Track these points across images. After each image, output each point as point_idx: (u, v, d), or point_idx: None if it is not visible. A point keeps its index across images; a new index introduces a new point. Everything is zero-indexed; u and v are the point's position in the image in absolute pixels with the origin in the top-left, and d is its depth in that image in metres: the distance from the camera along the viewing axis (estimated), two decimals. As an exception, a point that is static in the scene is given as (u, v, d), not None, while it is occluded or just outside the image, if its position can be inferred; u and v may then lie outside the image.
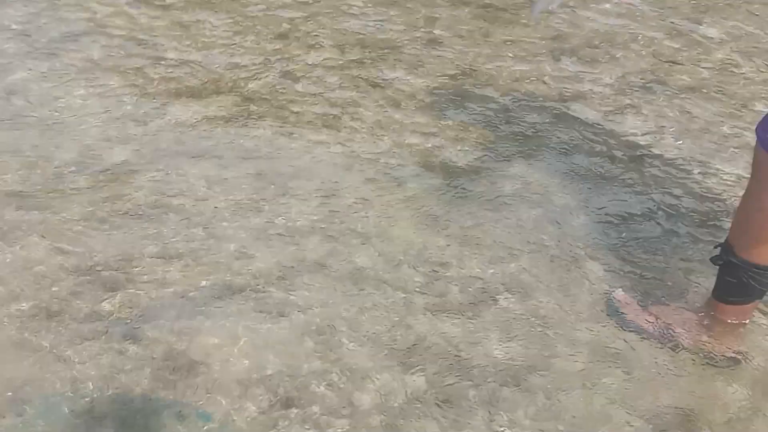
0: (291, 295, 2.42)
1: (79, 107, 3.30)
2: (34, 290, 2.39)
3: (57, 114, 3.25)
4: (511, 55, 3.84)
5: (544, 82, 3.62)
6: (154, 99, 3.38)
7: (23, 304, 2.34)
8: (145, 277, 2.46)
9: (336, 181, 2.93)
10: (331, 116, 3.33)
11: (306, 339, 2.28)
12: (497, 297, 2.45)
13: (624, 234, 2.72)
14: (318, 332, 2.30)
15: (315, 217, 2.74)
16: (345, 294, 2.43)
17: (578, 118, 3.36)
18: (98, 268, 2.48)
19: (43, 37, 3.82)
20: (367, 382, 2.16)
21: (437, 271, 2.54)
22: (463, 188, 2.92)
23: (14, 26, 3.90)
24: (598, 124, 3.33)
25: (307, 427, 2.04)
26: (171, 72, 3.58)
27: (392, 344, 2.27)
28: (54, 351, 2.20)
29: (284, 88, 3.51)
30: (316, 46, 3.86)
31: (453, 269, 2.55)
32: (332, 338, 2.29)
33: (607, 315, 2.40)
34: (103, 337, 2.25)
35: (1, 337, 2.23)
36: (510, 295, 2.46)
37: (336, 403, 2.11)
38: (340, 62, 3.73)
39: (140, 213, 2.72)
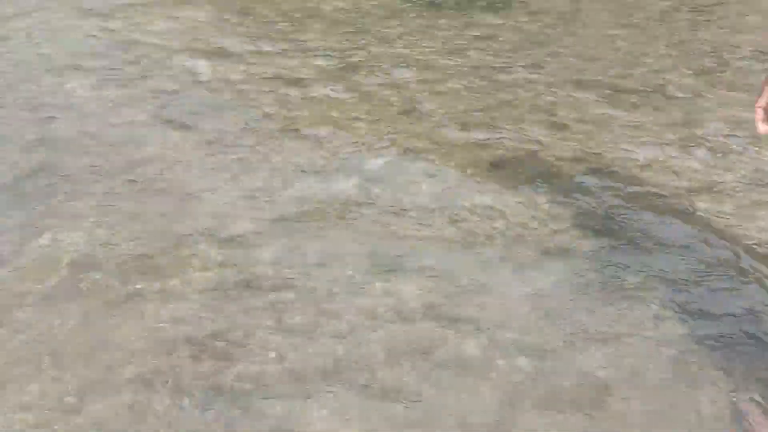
0: (398, 381, 2.39)
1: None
2: (149, 357, 2.46)
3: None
4: (636, 141, 3.76)
5: (673, 172, 3.51)
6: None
7: (138, 370, 2.40)
8: (261, 347, 2.49)
9: (451, 263, 2.91)
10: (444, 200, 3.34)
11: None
12: (612, 392, 2.34)
13: (753, 339, 2.56)
14: (421, 424, 2.26)
15: (426, 300, 2.72)
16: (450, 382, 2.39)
17: (706, 213, 3.23)
18: (214, 339, 2.53)
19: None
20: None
21: (548, 362, 2.46)
22: (584, 279, 2.84)
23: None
24: (728, 220, 3.18)
25: None
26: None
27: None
28: (165, 418, 2.25)
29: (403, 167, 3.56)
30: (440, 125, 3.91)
31: (564, 361, 2.46)
32: None
33: (731, 421, 2.25)
34: (214, 408, 2.28)
35: (115, 402, 2.30)
36: (626, 391, 2.35)
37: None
38: (460, 142, 3.75)
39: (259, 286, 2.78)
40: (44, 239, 2.98)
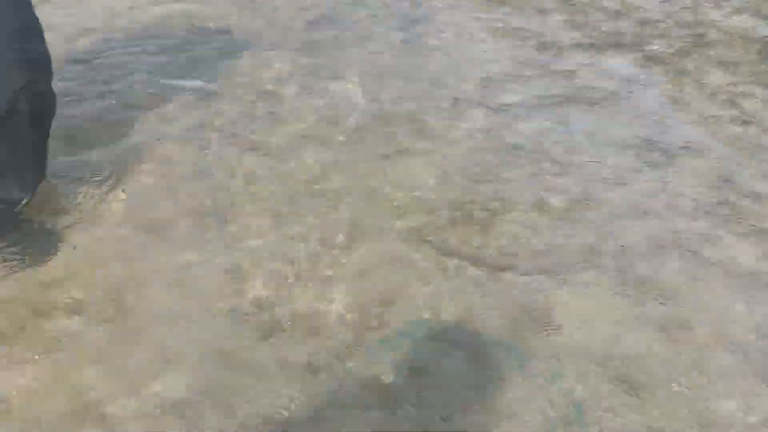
0: (654, 278, 2.30)
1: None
2: (409, 214, 2.53)
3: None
4: None
5: None
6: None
7: (402, 225, 2.48)
8: (518, 222, 2.50)
9: (733, 162, 2.71)
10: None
11: (660, 332, 2.15)
12: None
13: None
14: (676, 328, 2.17)
15: (701, 198, 2.57)
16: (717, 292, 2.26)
17: None
18: (473, 205, 2.56)
19: None
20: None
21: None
22: None
23: None
24: None
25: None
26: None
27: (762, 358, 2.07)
28: (422, 271, 2.32)
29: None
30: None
31: None
32: (690, 336, 2.13)
33: None
34: (466, 275, 2.32)
35: (385, 249, 2.38)
36: None
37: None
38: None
39: (521, 154, 2.76)
40: (326, 91, 3.13)
